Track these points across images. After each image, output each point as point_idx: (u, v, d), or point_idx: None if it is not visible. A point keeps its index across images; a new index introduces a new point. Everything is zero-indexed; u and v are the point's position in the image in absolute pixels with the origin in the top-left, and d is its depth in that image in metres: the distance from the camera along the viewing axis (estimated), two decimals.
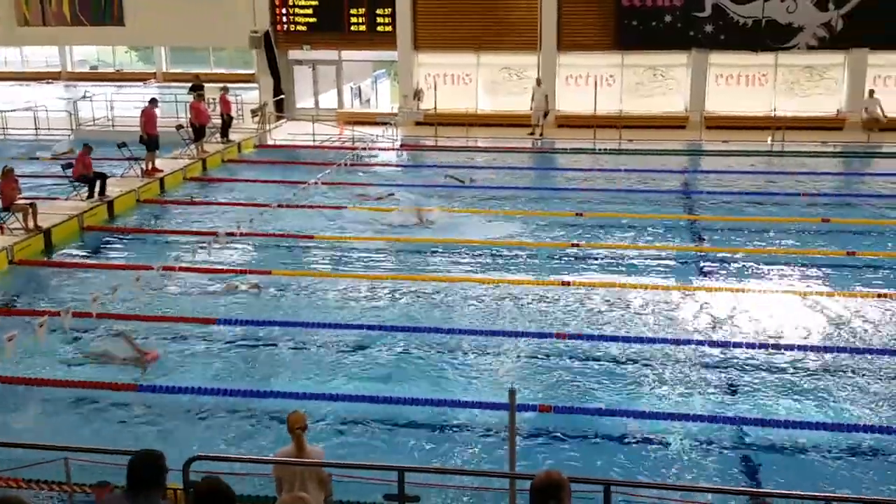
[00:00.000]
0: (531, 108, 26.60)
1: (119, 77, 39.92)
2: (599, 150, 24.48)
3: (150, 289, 13.65)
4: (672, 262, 15.37)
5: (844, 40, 26.26)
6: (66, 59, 41.45)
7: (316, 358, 11.54)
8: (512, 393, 7.07)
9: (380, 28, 28.52)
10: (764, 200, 19.22)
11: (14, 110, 28.00)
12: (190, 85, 29.56)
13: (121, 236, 17.43)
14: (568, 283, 13.98)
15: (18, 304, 13.73)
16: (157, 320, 12.57)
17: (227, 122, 24.93)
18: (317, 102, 30.39)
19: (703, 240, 16.75)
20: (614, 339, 11.89)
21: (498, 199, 19.56)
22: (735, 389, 10.64)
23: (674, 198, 19.83)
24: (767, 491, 8.05)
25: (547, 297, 13.51)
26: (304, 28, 29.05)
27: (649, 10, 26.75)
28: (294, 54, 29.76)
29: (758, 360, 11.33)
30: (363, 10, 28.44)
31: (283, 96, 29.33)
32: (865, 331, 12.21)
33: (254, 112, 27.58)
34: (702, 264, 15.31)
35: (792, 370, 11.02)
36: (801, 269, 14.86)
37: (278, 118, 28.53)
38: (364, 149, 24.66)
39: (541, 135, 26.25)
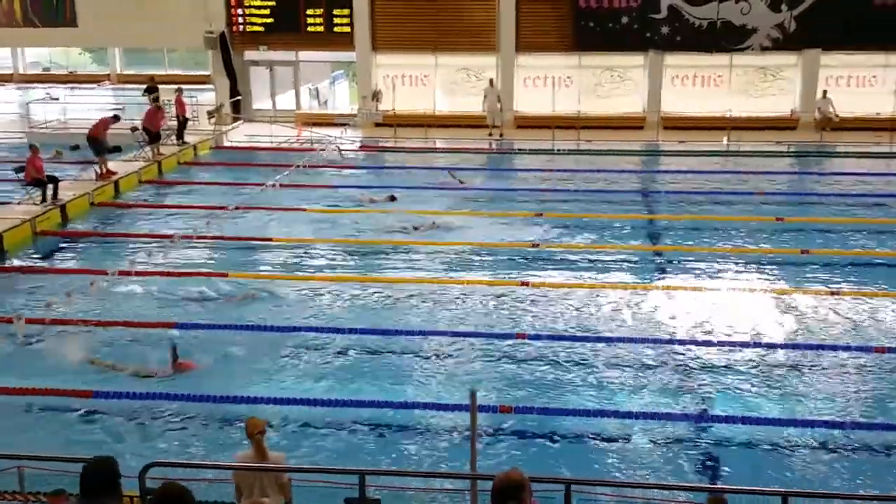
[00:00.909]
0: (483, 110, 26.66)
1: (72, 79, 39.22)
2: (558, 150, 24.59)
3: (106, 293, 13.42)
4: (631, 262, 15.46)
5: (797, 41, 26.68)
6: (18, 60, 40.65)
7: (276, 361, 11.41)
8: (473, 394, 7.04)
9: (337, 29, 28.37)
10: (720, 200, 19.44)
11: None
12: (145, 87, 29.19)
13: (75, 241, 17.13)
14: (528, 284, 14.00)
15: None
16: (113, 325, 12.34)
17: (182, 124, 24.63)
18: (274, 104, 30.14)
19: (662, 239, 16.88)
20: (574, 338, 11.93)
21: (458, 198, 19.54)
22: (694, 387, 10.72)
23: (632, 198, 19.97)
24: (725, 487, 8.11)
25: (507, 298, 13.52)
26: (260, 28, 28.80)
27: (606, 11, 26.94)
28: (250, 55, 29.50)
29: (715, 357, 11.43)
30: (320, 10, 28.27)
31: (239, 97, 29.05)
32: (820, 327, 12.38)
33: (210, 114, 27.29)
34: (660, 264, 15.43)
35: (749, 367, 11.14)
36: (757, 267, 15.04)
37: (235, 120, 28.26)
38: (323, 150, 24.51)
39: (500, 135, 26.32)
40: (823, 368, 11.09)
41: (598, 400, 10.34)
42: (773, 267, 15.04)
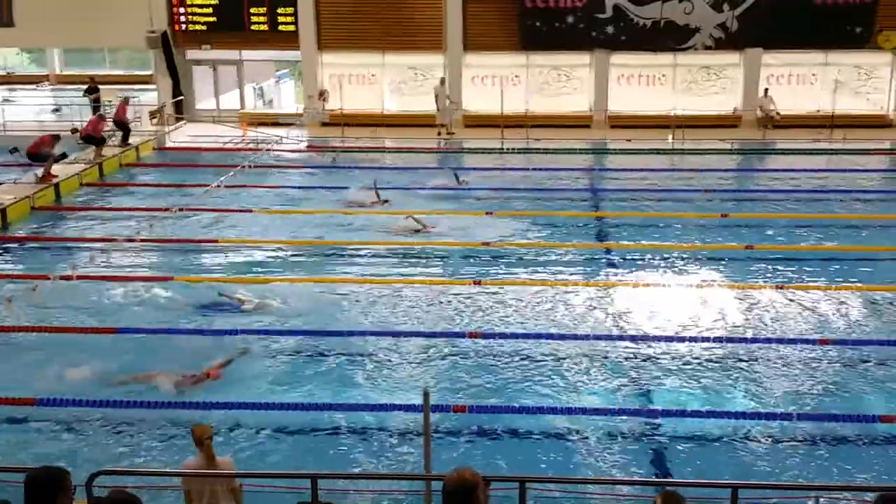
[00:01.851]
0: (437, 109, 26.64)
1: (10, 80, 38.27)
2: (507, 149, 24.66)
3: (48, 298, 13.08)
4: (581, 259, 15.54)
5: (739, 41, 27.14)
6: None
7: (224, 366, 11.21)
8: (426, 394, 7.01)
9: (282, 27, 28.10)
10: (666, 197, 19.66)
11: None
12: (86, 87, 28.58)
13: (14, 244, 16.68)
14: (480, 283, 13.99)
15: None
16: (54, 331, 12.02)
17: (126, 129, 24.15)
18: (218, 104, 29.76)
19: (611, 236, 17.00)
20: (527, 336, 11.94)
21: (407, 200, 19.46)
22: (644, 382, 10.80)
23: (581, 196, 20.08)
24: (677, 481, 8.18)
25: (459, 297, 13.49)
26: (203, 27, 28.40)
27: (552, 10, 27.09)
28: (193, 54, 29.08)
29: (664, 352, 11.53)
30: (264, 9, 27.97)
31: (182, 97, 28.60)
32: (765, 321, 12.57)
33: (152, 114, 26.82)
34: (609, 261, 15.55)
35: (697, 361, 11.25)
36: (704, 263, 15.22)
37: (178, 120, 27.82)
38: (268, 150, 24.25)
39: (449, 134, 26.30)
40: (770, 362, 11.25)
41: (551, 397, 10.36)
42: (719, 262, 15.24)
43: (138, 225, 16.44)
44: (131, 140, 24.25)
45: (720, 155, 24.23)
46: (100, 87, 29.29)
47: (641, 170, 22.16)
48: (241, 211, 18.26)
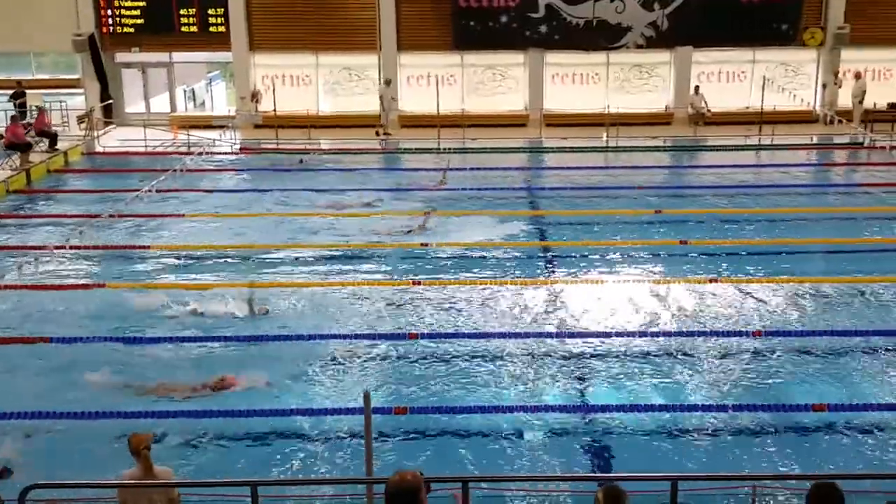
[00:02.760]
0: (383, 110, 26.51)
1: None
2: (444, 149, 24.66)
3: None
4: (519, 258, 15.59)
5: (670, 39, 27.58)
6: None
7: (159, 373, 10.95)
8: (366, 396, 6.93)
9: (212, 28, 27.71)
10: (602, 194, 19.84)
11: None
12: (11, 92, 27.74)
13: None
14: (419, 283, 13.93)
15: None
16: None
17: (51, 136, 23.51)
18: (148, 107, 29.22)
19: (548, 234, 17.08)
20: (467, 335, 11.93)
21: (347, 198, 19.33)
22: (584, 378, 10.86)
23: (518, 194, 20.15)
24: (618, 475, 8.23)
25: (398, 297, 13.41)
26: (131, 30, 27.86)
27: (485, 10, 27.18)
28: (122, 57, 28.51)
29: (603, 348, 11.62)
30: (194, 10, 27.53)
31: (111, 101, 27.98)
32: (701, 314, 12.75)
33: (80, 119, 26.16)
34: (547, 258, 15.63)
35: (635, 356, 11.36)
36: (640, 258, 15.40)
37: (107, 124, 27.23)
38: (200, 153, 23.85)
39: (386, 134, 26.20)
40: (705, 354, 11.40)
41: (492, 396, 10.34)
42: (655, 258, 15.44)
43: (68, 232, 15.99)
44: (59, 145, 23.62)
45: (654, 152, 24.57)
46: (26, 91, 28.46)
47: (577, 168, 22.32)
48: (173, 216, 17.92)
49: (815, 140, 25.93)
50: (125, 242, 16.29)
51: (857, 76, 27.06)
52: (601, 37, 27.49)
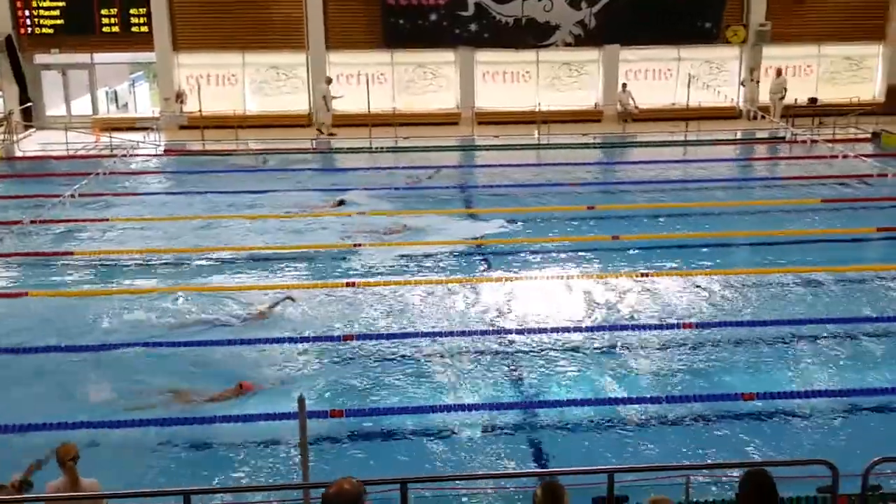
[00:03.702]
0: (328, 109, 26.26)
1: None
2: (376, 148, 24.52)
3: None
4: (453, 256, 15.55)
5: (597, 37, 27.88)
6: None
7: (85, 381, 10.63)
8: (301, 400, 6.82)
9: (134, 28, 27.10)
10: (535, 192, 19.94)
11: None
12: None
13: None
14: (353, 284, 13.80)
15: None
16: None
17: None
18: (69, 109, 28.41)
19: (482, 232, 17.04)
20: (403, 335, 11.84)
21: (277, 200, 19.07)
22: (520, 375, 10.88)
23: (451, 193, 20.12)
24: (556, 470, 8.25)
25: (332, 300, 13.26)
26: (50, 31, 27.06)
27: (414, 8, 27.11)
28: (41, 59, 27.65)
29: (538, 343, 11.67)
30: (115, 10, 26.87)
31: (30, 104, 27.13)
32: (632, 308, 12.89)
33: None
34: (482, 256, 15.62)
35: (569, 351, 11.44)
36: (573, 255, 15.50)
37: (26, 128, 26.38)
38: (124, 156, 23.28)
39: (331, 134, 25.93)
40: (638, 347, 11.53)
41: (429, 395, 10.29)
42: (588, 253, 15.55)
43: None
44: None
45: (584, 149, 24.81)
46: None
47: (510, 165, 22.40)
48: (96, 220, 17.45)
49: (738, 135, 26.53)
50: (48, 249, 15.78)
51: (778, 73, 27.75)
52: (530, 35, 27.67)
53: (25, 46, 27.19)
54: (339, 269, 14.80)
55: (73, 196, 18.37)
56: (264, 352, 11.37)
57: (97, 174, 20.31)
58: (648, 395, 10.18)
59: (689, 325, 12.07)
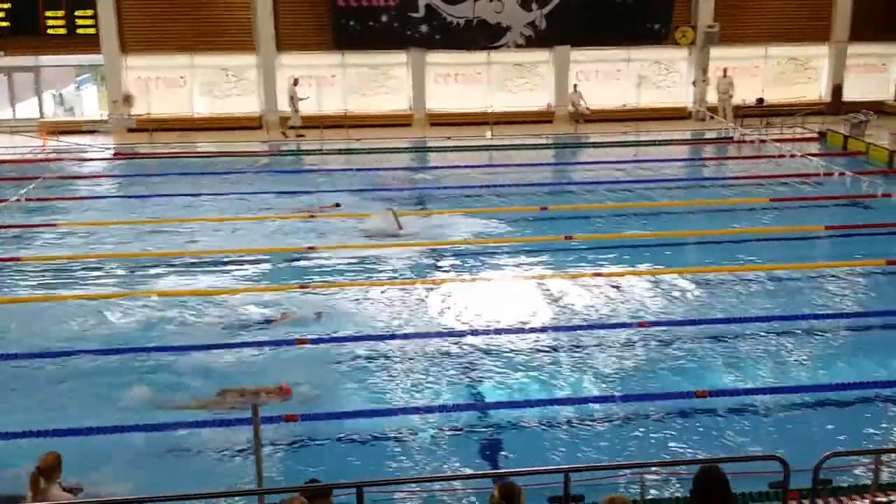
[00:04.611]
0: (294, 110, 26.03)
1: None
2: (327, 150, 24.38)
3: None
4: (404, 258, 15.48)
5: (548, 38, 28.04)
6: None
7: (21, 391, 10.39)
8: (254, 407, 6.73)
9: (81, 31, 26.60)
10: (488, 193, 19.98)
11: None
12: None
13: None
14: (306, 287, 13.68)
15: None
16: None
17: None
18: (14, 112, 27.83)
19: (434, 234, 17.01)
20: (355, 339, 11.76)
21: (228, 203, 18.85)
22: (475, 376, 10.86)
23: (403, 195, 20.06)
24: (512, 470, 8.24)
25: (284, 303, 13.13)
26: None
27: (365, 9, 27.02)
28: None
29: (492, 345, 11.66)
30: (62, 12, 26.34)
31: None
32: (586, 308, 12.96)
33: None
34: (434, 258, 15.59)
35: (524, 352, 11.46)
36: (527, 255, 15.54)
37: None
38: (72, 160, 22.84)
39: (300, 136, 25.69)
40: (592, 347, 11.59)
41: (383, 398, 10.23)
42: (542, 254, 15.60)
43: None
44: None
45: (537, 150, 24.92)
46: None
47: (463, 166, 22.42)
48: (44, 225, 17.08)
49: (688, 136, 26.85)
50: None
51: (724, 73, 28.15)
52: (481, 36, 27.73)
53: None
54: (293, 272, 14.67)
55: (19, 201, 17.99)
56: (213, 356, 11.20)
57: (44, 178, 19.89)
58: (603, 394, 10.23)
59: (643, 324, 12.17)
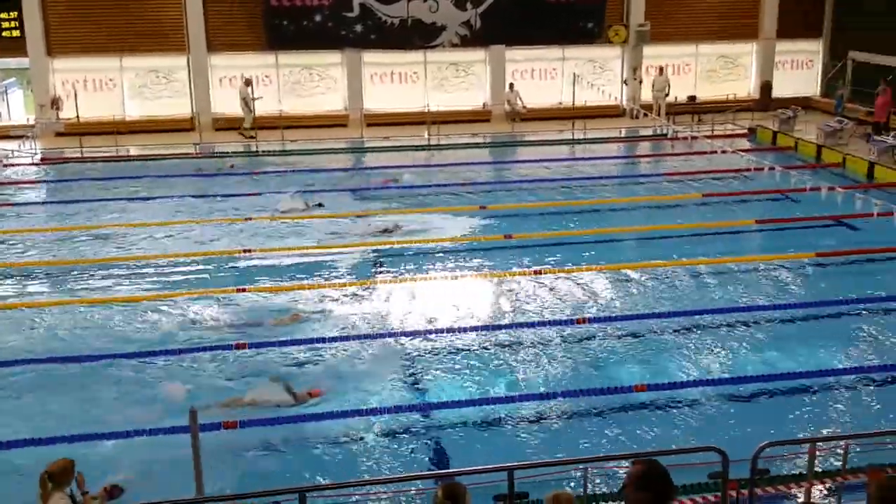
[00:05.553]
0: (250, 110, 25.61)
1: None
2: (262, 151, 24.08)
3: None
4: (345, 259, 15.37)
5: (483, 38, 28.12)
6: None
7: None
8: (192, 413, 6.61)
9: (6, 33, 25.88)
10: (426, 193, 19.94)
11: None
12: None
13: None
14: (244, 290, 13.49)
15: None
16: None
17: None
18: None
19: (373, 234, 16.91)
20: (295, 342, 11.63)
21: (163, 207, 18.48)
22: (417, 377, 10.83)
23: (342, 196, 19.89)
24: (456, 470, 8.22)
25: (222, 306, 12.92)
26: None
27: (298, 9, 26.76)
28: None
29: (434, 344, 11.66)
30: None
31: None
32: (526, 306, 13.03)
33: None
34: (375, 258, 15.50)
35: (466, 351, 11.47)
36: (466, 255, 15.56)
37: None
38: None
39: (251, 137, 25.29)
40: (533, 344, 11.65)
41: (324, 401, 10.12)
42: (481, 253, 15.64)
43: None
44: None
45: (474, 149, 24.99)
46: None
47: (400, 167, 22.35)
48: None
49: (623, 133, 27.20)
50: None
51: (660, 71, 28.56)
52: (417, 36, 27.69)
53: None
54: (228, 275, 14.46)
55: None
56: (149, 364, 10.97)
57: None
58: (544, 391, 10.28)
59: (581, 320, 12.27)
